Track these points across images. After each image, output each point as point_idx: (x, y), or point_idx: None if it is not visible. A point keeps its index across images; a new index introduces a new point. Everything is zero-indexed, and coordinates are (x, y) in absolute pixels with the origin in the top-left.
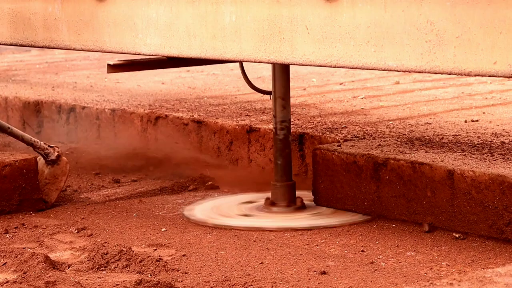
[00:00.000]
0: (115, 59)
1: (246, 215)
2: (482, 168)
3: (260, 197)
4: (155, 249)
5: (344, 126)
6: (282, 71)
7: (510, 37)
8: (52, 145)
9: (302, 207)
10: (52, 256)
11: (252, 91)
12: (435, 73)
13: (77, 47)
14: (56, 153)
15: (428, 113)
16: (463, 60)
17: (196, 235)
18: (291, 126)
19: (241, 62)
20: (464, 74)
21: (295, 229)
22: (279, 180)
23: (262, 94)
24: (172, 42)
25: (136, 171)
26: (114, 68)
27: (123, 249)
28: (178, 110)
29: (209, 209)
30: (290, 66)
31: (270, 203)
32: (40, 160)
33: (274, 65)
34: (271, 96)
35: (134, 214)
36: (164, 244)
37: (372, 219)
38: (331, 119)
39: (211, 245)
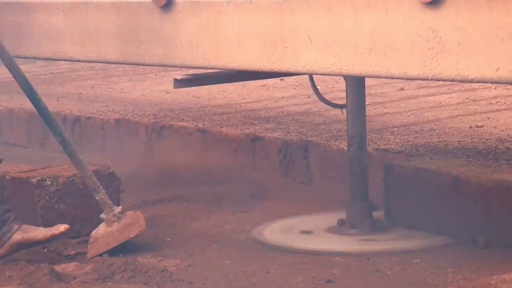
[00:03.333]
0: (182, 74)
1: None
2: (487, 174)
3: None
4: (160, 260)
5: None
6: (356, 84)
7: (511, 43)
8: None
9: (377, 229)
10: (57, 268)
11: (256, 99)
12: (438, 80)
13: (80, 58)
14: (119, 207)
15: (433, 119)
16: (466, 67)
17: (201, 245)
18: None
19: (311, 76)
20: (467, 81)
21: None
22: (352, 199)
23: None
24: (175, 52)
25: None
26: (181, 83)
27: (128, 259)
28: (183, 119)
29: (281, 230)
30: (294, 73)
31: (343, 224)
32: (99, 229)
33: (347, 77)
34: (344, 110)
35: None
36: (169, 255)
37: None
38: (335, 127)
39: (216, 255)
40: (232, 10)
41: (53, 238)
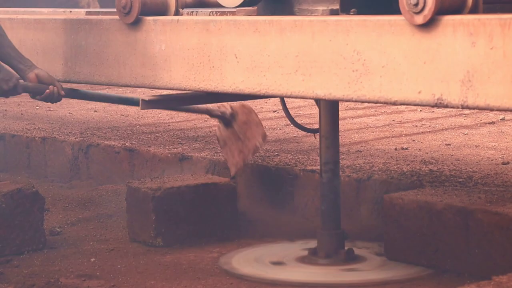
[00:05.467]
0: (149, 95)
1: (279, 264)
2: (411, 195)
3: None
4: (84, 280)
5: (276, 154)
6: (328, 108)
7: (433, 67)
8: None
9: (351, 259)
10: None
11: (185, 118)
12: (362, 102)
13: None
14: (229, 108)
15: (359, 140)
16: (389, 89)
17: (125, 265)
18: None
19: (282, 99)
20: (390, 103)
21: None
22: (324, 227)
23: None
24: (101, 70)
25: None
26: (148, 104)
27: (51, 280)
28: (110, 138)
29: (251, 259)
30: (220, 92)
31: (315, 253)
32: (219, 130)
33: (320, 101)
34: (316, 135)
35: (64, 245)
36: (93, 275)
37: None
38: (264, 147)
39: (141, 275)
40: (159, 29)
41: None
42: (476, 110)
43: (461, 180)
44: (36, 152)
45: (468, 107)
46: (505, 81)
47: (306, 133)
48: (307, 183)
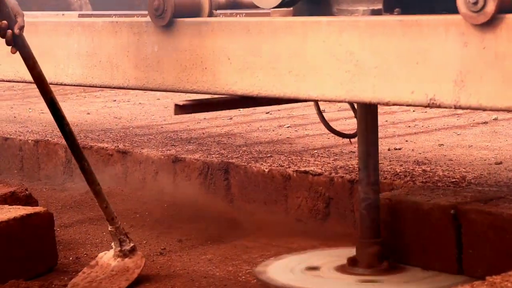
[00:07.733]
0: (182, 100)
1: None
2: (402, 196)
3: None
4: None
5: (269, 155)
6: (368, 112)
7: (426, 67)
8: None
9: (390, 269)
10: None
11: (178, 119)
12: (355, 102)
13: None
14: (131, 244)
15: (353, 141)
16: (382, 90)
17: None
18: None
19: (316, 103)
20: (383, 104)
21: None
22: (362, 236)
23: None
24: (94, 72)
25: None
26: (182, 109)
27: (44, 283)
28: (103, 140)
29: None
30: (213, 94)
31: (353, 263)
32: (106, 254)
33: (358, 105)
34: (353, 139)
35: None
36: None
37: None
38: (256, 148)
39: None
40: (151, 31)
41: None
42: (469, 110)
43: (454, 180)
44: (29, 155)
45: (461, 107)
46: (497, 81)
47: (299, 134)
48: (300, 184)
